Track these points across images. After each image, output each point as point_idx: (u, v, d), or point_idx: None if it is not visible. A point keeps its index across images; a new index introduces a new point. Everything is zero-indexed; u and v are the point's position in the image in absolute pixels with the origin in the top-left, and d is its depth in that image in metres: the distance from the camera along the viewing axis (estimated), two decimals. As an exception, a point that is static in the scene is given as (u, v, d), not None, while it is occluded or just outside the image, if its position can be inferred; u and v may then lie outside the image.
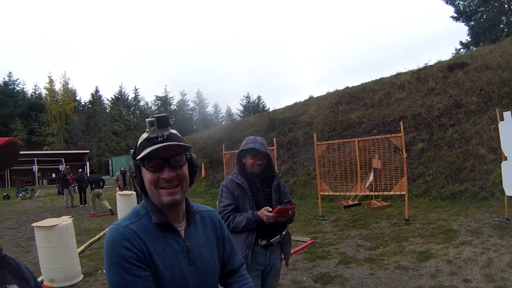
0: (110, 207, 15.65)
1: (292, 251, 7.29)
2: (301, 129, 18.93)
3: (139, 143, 1.62)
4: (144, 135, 1.61)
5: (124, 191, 14.91)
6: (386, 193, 10.12)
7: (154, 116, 1.57)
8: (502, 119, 8.03)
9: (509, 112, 7.97)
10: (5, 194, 28.20)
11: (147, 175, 1.58)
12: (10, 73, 69.73)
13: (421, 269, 5.77)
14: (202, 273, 1.69)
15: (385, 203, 11.09)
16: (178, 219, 1.69)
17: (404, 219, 8.95)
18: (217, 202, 3.62)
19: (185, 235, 1.67)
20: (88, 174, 18.60)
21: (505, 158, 7.99)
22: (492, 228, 7.57)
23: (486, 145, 11.57)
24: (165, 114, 1.60)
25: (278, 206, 3.23)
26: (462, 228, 7.80)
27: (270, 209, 3.27)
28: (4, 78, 67.59)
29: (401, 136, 9.14)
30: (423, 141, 13.28)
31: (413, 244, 7.11)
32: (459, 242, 6.92)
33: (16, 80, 68.63)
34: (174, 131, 1.63)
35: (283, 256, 3.77)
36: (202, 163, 22.44)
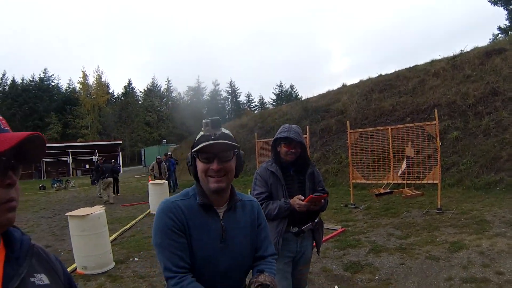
0: (108, 200, 16.53)
1: (323, 238, 7.37)
2: (334, 117, 18.78)
3: (197, 138, 1.93)
4: (201, 133, 1.92)
5: (157, 180, 15.06)
6: (418, 181, 10.00)
7: (209, 118, 1.90)
8: None
9: None
10: (41, 185, 29.03)
11: (200, 165, 1.92)
12: (45, 69, 72.71)
13: (452, 260, 5.71)
14: (232, 252, 1.96)
15: (417, 192, 10.98)
16: (220, 203, 2.00)
17: (436, 208, 8.84)
18: (249, 190, 3.66)
19: (223, 217, 1.98)
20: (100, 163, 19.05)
21: None
22: None
23: None
24: (218, 117, 1.92)
25: (311, 195, 3.23)
26: (496, 219, 7.64)
27: (303, 198, 3.28)
28: (40, 75, 70.04)
29: (435, 124, 9.00)
30: (458, 130, 12.96)
31: (445, 234, 7.03)
32: (492, 234, 6.79)
33: (51, 75, 71.40)
34: (226, 131, 1.92)
35: (314, 244, 3.80)
36: None
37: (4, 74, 68.71)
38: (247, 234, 2.08)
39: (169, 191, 15.65)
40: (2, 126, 1.01)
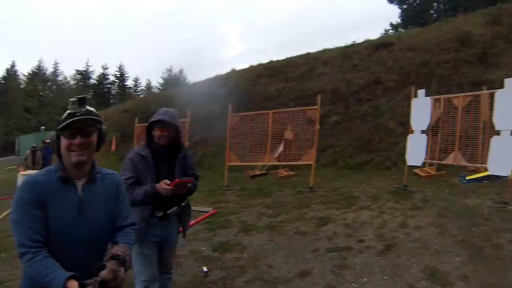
0: None
1: (193, 222, 7.10)
2: (218, 101, 18.61)
3: (63, 117, 2.00)
4: (68, 111, 2.00)
5: (29, 170, 13.49)
6: (294, 163, 10.16)
7: (76, 97, 2.02)
8: (415, 96, 8.50)
9: (423, 90, 8.47)
10: None
11: (64, 141, 1.99)
12: None
13: (319, 233, 5.90)
14: (90, 223, 2.03)
15: (291, 173, 11.22)
16: (80, 177, 2.06)
17: (308, 187, 9.03)
18: None
19: (82, 189, 2.05)
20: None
21: (412, 132, 8.50)
22: (390, 194, 7.92)
23: (397, 120, 12.03)
24: (85, 95, 2.10)
25: (176, 179, 3.22)
26: (362, 195, 8.06)
27: (169, 182, 3.24)
28: None
29: (316, 108, 9.24)
30: (338, 114, 13.55)
31: (314, 211, 7.22)
32: (358, 207, 7.16)
33: None
34: (91, 108, 2.04)
35: (181, 229, 3.77)
36: (114, 137, 21.58)
37: None
38: (106, 205, 2.14)
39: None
40: None
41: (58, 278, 1.75)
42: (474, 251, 4.76)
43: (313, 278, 4.39)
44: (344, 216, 6.64)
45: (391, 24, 33.66)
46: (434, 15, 29.64)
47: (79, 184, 2.05)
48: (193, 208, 7.73)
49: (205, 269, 5.00)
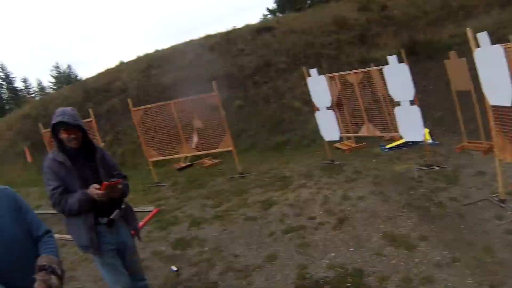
0: None
1: (141, 223, 7.12)
2: (117, 96, 17.96)
3: None
4: None
5: None
6: (214, 151, 10.30)
7: None
8: (309, 75, 8.92)
9: (315, 69, 8.87)
10: None
11: None
12: None
13: (268, 217, 6.15)
14: (4, 243, 2.05)
15: (216, 161, 11.37)
16: None
17: (238, 173, 9.28)
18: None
19: None
20: None
21: (317, 109, 9.01)
22: (321, 170, 8.33)
23: (300, 99, 12.49)
24: None
25: (104, 182, 3.09)
26: (295, 174, 8.39)
27: (98, 186, 3.11)
28: None
29: (215, 95, 9.34)
30: (239, 99, 13.72)
31: (254, 195, 7.46)
32: (295, 186, 7.48)
33: None
34: None
35: (133, 232, 3.70)
36: (26, 148, 20.07)
37: None
38: (10, 221, 2.15)
39: None
40: None
41: None
42: (421, 212, 5.29)
43: (282, 260, 4.58)
44: (285, 196, 6.95)
45: (268, 10, 34.76)
46: (308, 1, 30.82)
47: None
48: (134, 209, 7.75)
49: (174, 268, 5.06)
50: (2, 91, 69.54)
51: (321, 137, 9.32)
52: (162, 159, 11.26)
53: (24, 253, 2.16)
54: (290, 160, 9.89)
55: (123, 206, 3.48)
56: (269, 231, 5.56)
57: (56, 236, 7.50)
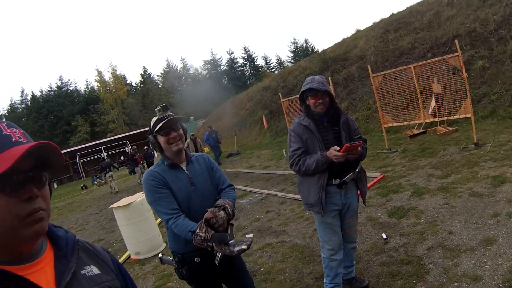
0: (114, 189, 18.64)
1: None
2: (354, 64, 18.24)
3: (153, 123, 2.83)
4: (155, 117, 2.82)
5: None
6: (450, 117, 9.68)
7: (160, 106, 2.81)
8: None
9: None
10: (82, 185, 29.34)
11: (162, 139, 2.77)
12: (60, 76, 74.19)
13: (496, 195, 5.51)
14: (200, 191, 2.79)
15: (451, 128, 10.68)
16: (181, 161, 2.87)
17: (473, 143, 8.54)
18: (284, 150, 3.68)
19: (186, 169, 2.83)
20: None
21: None
22: None
23: None
24: (165, 104, 2.87)
25: (346, 144, 3.18)
26: None
27: (338, 148, 3.23)
28: (56, 83, 72.11)
29: (458, 55, 8.45)
30: (483, 58, 12.22)
31: (485, 169, 6.78)
32: (536, 164, 6.50)
33: (67, 81, 72.63)
34: (171, 113, 2.84)
35: (359, 194, 3.78)
36: (263, 115, 22.32)
37: (22, 91, 73.72)
38: (206, 177, 2.90)
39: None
40: (13, 139, 1.00)
41: (192, 228, 2.50)
42: None
43: (498, 247, 4.08)
44: (521, 174, 6.11)
45: None
46: None
47: (183, 166, 2.85)
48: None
49: (384, 236, 5.10)
50: (245, 69, 77.46)
51: None
52: (395, 125, 11.14)
53: (213, 202, 2.73)
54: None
55: (358, 169, 3.57)
56: (493, 211, 5.01)
57: (278, 194, 8.40)
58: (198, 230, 2.44)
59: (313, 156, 3.39)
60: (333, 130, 3.52)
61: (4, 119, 1.03)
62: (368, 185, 7.46)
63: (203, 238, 2.40)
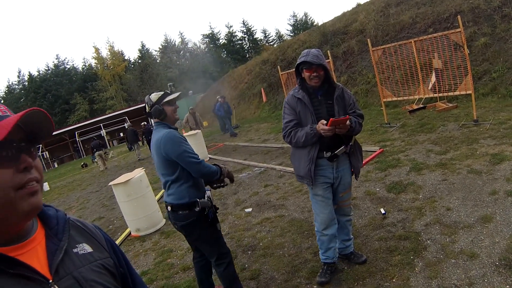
0: (104, 167, 19.62)
1: (363, 162, 7.29)
2: (354, 38, 17.84)
3: (159, 95, 3.44)
4: (160, 92, 3.48)
5: (191, 131, 14.41)
6: (450, 93, 9.49)
7: (171, 83, 4.06)
8: None
9: None
10: (82, 163, 29.24)
11: (169, 109, 3.43)
12: (57, 55, 73.90)
13: (495, 173, 5.46)
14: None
15: (451, 105, 10.54)
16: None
17: (472, 120, 8.43)
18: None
19: None
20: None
21: None
22: None
23: None
24: (174, 82, 3.39)
25: (331, 118, 3.17)
26: None
27: (325, 122, 3.21)
28: (53, 62, 71.86)
29: (460, 31, 8.24)
30: (485, 36, 11.93)
31: (484, 147, 6.71)
32: (536, 143, 6.41)
33: (64, 59, 73.33)
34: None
35: (352, 170, 3.78)
36: (262, 88, 22.17)
37: (19, 72, 72.35)
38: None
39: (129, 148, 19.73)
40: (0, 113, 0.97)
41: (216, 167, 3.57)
42: None
43: (495, 225, 4.05)
44: (521, 153, 6.02)
45: None
46: None
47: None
48: (361, 148, 7.94)
49: (382, 211, 5.08)
50: (244, 43, 76.79)
51: None
52: (395, 100, 11.01)
53: None
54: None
55: (351, 143, 3.58)
56: (491, 189, 4.97)
57: (277, 167, 8.40)
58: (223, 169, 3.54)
59: (304, 129, 3.41)
60: (327, 104, 3.51)
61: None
62: (367, 159, 7.49)
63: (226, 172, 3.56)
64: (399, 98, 10.90)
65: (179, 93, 3.66)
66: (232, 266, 3.65)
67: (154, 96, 3.44)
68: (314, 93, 3.52)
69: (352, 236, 4.15)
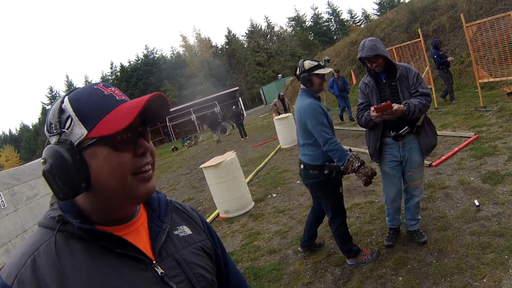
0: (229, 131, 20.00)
1: (455, 149, 6.85)
2: (445, 14, 16.47)
3: (312, 65, 3.73)
4: (313, 61, 3.76)
5: (281, 115, 14.24)
6: None
7: (326, 57, 3.75)
8: None
9: None
10: (173, 147, 30.32)
11: (317, 80, 3.76)
12: (146, 45, 76.86)
13: None
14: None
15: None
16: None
17: None
18: None
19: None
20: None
21: None
22: None
23: None
24: (329, 58, 3.74)
25: (373, 106, 3.42)
26: None
27: (373, 108, 3.42)
28: (143, 52, 75.95)
29: None
30: None
31: None
32: None
33: (153, 49, 76.63)
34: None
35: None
36: (351, 70, 21.55)
37: (112, 64, 77.27)
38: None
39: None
40: (117, 97, 0.98)
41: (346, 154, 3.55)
42: None
43: None
44: None
45: None
46: None
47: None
48: (452, 133, 7.43)
49: (476, 202, 4.66)
50: (331, 24, 74.90)
51: None
52: (492, 81, 10.06)
53: None
54: None
55: (417, 123, 3.70)
56: None
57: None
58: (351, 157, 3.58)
59: (366, 113, 3.71)
60: (391, 85, 3.69)
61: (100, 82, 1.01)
62: (461, 146, 7.01)
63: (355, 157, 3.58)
64: (496, 79, 9.90)
65: (331, 69, 3.84)
66: (343, 226, 4.01)
67: (308, 64, 3.74)
68: (379, 77, 3.76)
69: (419, 217, 4.22)
